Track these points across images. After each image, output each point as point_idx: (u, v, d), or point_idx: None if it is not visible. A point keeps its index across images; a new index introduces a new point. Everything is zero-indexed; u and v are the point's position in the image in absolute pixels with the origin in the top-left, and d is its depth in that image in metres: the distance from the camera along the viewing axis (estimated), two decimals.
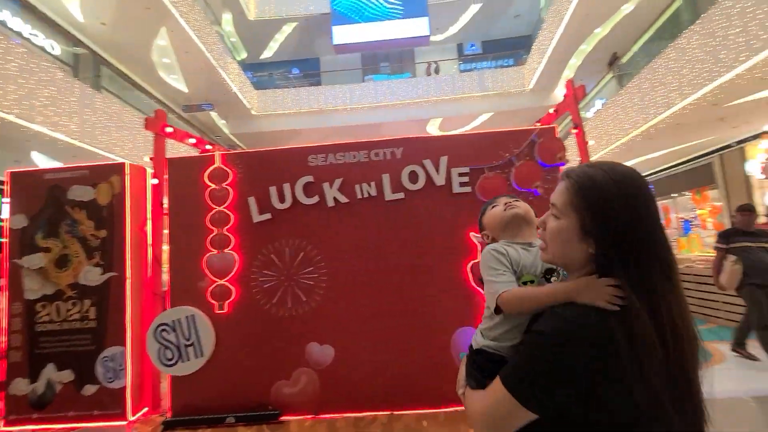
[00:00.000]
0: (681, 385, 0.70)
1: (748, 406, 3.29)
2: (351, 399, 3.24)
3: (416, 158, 3.38)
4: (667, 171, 13.19)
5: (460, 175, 3.23)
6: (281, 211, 3.47)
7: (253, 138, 19.05)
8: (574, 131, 3.20)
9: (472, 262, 3.12)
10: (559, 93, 17.62)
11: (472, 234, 3.05)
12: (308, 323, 3.36)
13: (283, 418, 3.24)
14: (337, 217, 3.44)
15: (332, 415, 3.25)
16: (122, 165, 3.79)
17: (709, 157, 11.05)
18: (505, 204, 1.25)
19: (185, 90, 15.69)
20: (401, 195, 3.36)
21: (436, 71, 18.74)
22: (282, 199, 3.46)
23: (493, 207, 1.28)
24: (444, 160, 3.27)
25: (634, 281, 0.71)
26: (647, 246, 0.73)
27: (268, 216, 3.46)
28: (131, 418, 3.46)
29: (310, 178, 3.48)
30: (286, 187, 3.46)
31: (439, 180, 3.31)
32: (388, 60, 21.30)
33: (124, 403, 3.49)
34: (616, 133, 9.54)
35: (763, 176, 4.85)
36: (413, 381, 3.18)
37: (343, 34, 17.70)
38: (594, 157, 12.25)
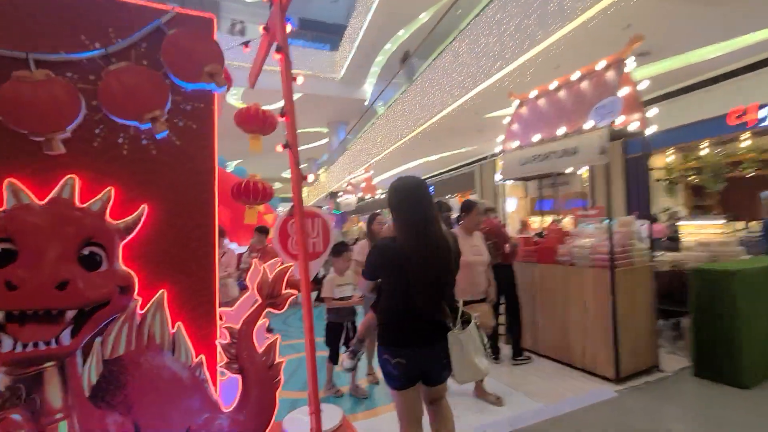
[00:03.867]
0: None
1: None
2: None
3: None
4: (440, 176, 15.01)
5: None
6: None
7: None
8: (277, 56, 1.92)
9: None
10: (368, 89, 18.06)
11: None
12: None
13: None
14: None
15: None
16: None
17: (472, 166, 12.89)
18: None
19: None
20: None
21: (241, 32, 16.36)
22: None
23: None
24: None
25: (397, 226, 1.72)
26: (399, 213, 1.71)
27: None
28: None
29: None
30: None
31: None
32: (186, 4, 17.48)
33: None
34: (402, 129, 9.76)
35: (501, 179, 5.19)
36: None
37: None
38: (379, 156, 12.75)
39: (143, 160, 1.46)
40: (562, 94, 3.79)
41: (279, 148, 1.86)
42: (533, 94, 4.22)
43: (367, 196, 9.06)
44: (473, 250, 2.99)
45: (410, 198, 1.67)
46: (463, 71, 6.88)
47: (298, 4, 18.32)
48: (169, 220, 1.47)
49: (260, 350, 1.48)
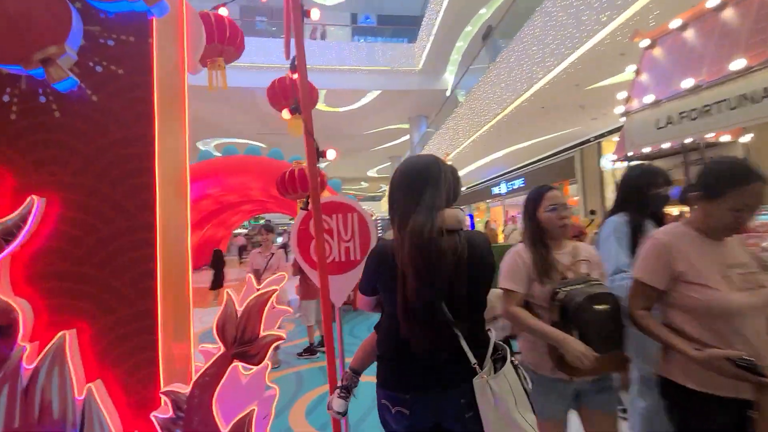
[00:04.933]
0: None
1: None
2: None
3: None
4: (532, 166, 13.32)
5: None
6: None
7: None
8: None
9: None
10: (448, 78, 17.07)
11: None
12: None
13: None
14: None
15: None
16: None
17: (570, 151, 11.13)
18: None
19: None
20: None
21: (322, 36, 16.68)
22: None
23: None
24: None
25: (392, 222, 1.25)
26: (393, 204, 1.25)
27: None
28: None
29: None
30: None
31: None
32: (272, 16, 18.57)
33: None
34: (485, 114, 8.71)
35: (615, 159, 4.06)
36: None
37: None
38: (462, 147, 11.67)
39: (42, 127, 0.98)
40: (729, 13, 2.49)
41: (286, 114, 1.29)
42: (676, 23, 3.00)
43: None
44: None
45: (412, 183, 1.20)
46: (558, 34, 5.69)
47: (374, 1, 18.15)
48: (85, 221, 0.96)
49: (226, 429, 0.91)
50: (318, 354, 4.08)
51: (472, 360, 1.08)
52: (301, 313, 4.25)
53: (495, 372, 1.10)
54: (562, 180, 11.91)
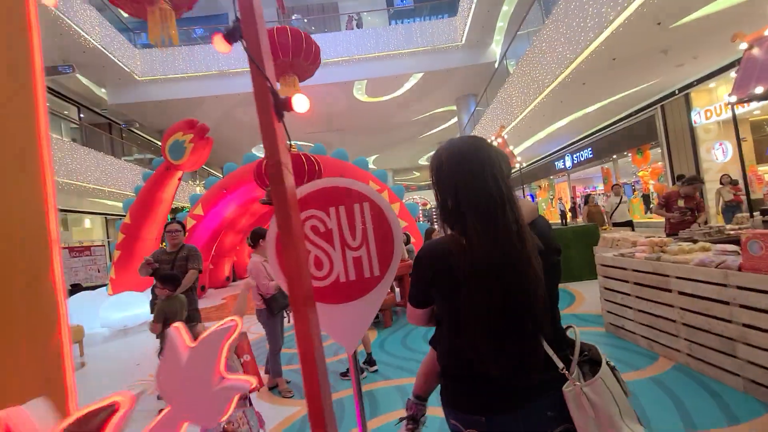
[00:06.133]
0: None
1: None
2: None
3: None
4: (601, 133, 11.72)
5: None
6: None
7: (140, 110, 15.84)
8: None
9: None
10: (496, 49, 15.75)
11: None
12: None
13: None
14: None
15: None
16: None
17: (649, 109, 9.56)
18: None
19: None
20: None
21: (358, 25, 16.23)
22: None
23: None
24: None
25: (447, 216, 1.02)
26: (450, 193, 1.00)
27: None
28: None
29: None
30: None
31: None
32: (310, 12, 18.53)
33: None
34: (543, 78, 7.65)
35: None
36: None
37: None
38: (516, 120, 10.46)
39: None
40: None
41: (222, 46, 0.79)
42: None
43: None
44: None
45: (468, 167, 0.98)
46: None
47: None
48: None
49: None
50: (365, 373, 3.42)
51: (560, 365, 0.94)
52: None
53: (585, 377, 0.97)
54: (641, 145, 10.36)
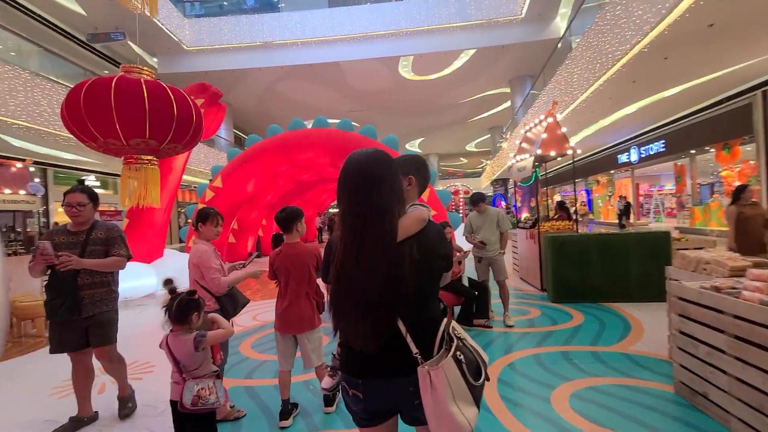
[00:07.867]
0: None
1: None
2: None
3: None
4: (682, 122, 9.95)
5: None
6: None
7: (188, 80, 16.01)
8: None
9: None
10: (560, 24, 14.03)
11: None
12: None
13: None
14: None
15: None
16: None
17: (744, 97, 7.85)
18: None
19: (82, 12, 12.60)
20: None
21: None
22: None
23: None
24: None
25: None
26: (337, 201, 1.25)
27: None
28: None
29: None
30: None
31: None
32: None
33: None
34: (613, 51, 6.38)
35: None
36: None
37: None
38: (585, 95, 8.95)
39: None
40: None
41: None
42: None
43: (551, 154, 5.70)
44: None
45: (348, 182, 1.21)
46: None
47: None
48: None
49: None
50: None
51: (414, 350, 1.15)
52: None
53: (437, 362, 1.14)
54: (729, 139, 8.66)
